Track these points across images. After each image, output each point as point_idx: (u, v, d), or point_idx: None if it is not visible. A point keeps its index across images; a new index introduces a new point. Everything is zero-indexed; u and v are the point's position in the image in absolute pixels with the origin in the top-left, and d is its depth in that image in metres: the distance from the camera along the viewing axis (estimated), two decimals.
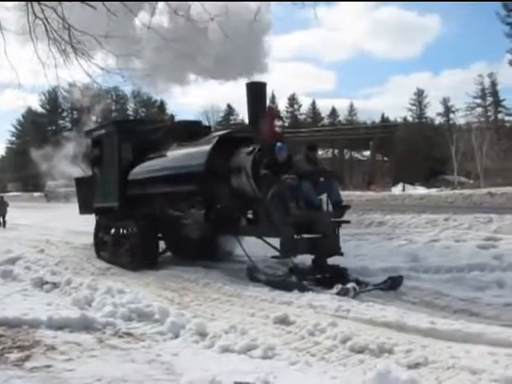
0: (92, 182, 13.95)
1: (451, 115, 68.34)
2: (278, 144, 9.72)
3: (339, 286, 8.08)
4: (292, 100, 78.95)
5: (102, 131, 13.88)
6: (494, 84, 59.84)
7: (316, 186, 9.65)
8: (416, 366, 4.88)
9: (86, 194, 14.35)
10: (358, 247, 12.51)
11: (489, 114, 60.28)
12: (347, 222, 9.92)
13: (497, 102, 60.16)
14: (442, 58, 75.07)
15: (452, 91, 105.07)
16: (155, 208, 11.81)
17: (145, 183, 12.10)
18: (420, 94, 71.93)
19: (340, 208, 9.70)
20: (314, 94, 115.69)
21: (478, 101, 60.60)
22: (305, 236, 9.36)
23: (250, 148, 9.97)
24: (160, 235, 12.27)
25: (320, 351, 5.47)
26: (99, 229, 13.73)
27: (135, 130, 12.94)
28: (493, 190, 21.60)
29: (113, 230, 13.18)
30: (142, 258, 11.57)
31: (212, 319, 6.86)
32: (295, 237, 9.17)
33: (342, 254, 9.39)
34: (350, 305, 7.13)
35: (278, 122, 9.74)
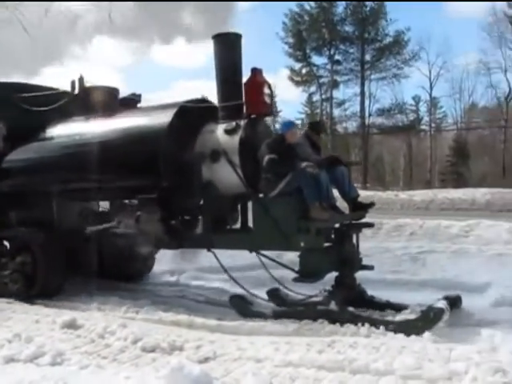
0: None
1: None
2: (287, 119, 6.87)
3: (417, 309, 6.13)
4: None
5: None
6: None
7: None
8: (206, 360, 5.08)
9: None
10: None
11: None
12: (371, 225, 7.42)
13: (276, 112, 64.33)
14: None
15: None
16: (56, 210, 8.51)
17: (36, 175, 8.61)
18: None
19: (362, 206, 7.11)
20: None
21: None
22: (327, 246, 6.85)
23: (233, 124, 7.20)
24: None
25: (111, 353, 5.41)
26: None
27: (14, 98, 8.87)
28: None
29: None
30: (45, 284, 8.22)
31: None
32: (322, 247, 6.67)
33: (372, 268, 7.01)
34: (139, 306, 7.20)
35: (267, 90, 7.21)
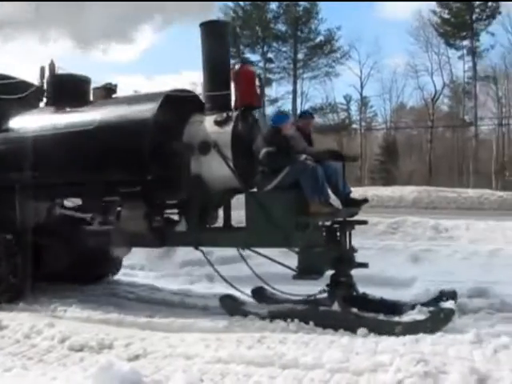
0: None
1: None
2: (281, 111, 6.43)
3: (423, 309, 5.91)
4: None
5: None
6: None
7: None
8: (136, 357, 5.04)
9: None
10: None
11: None
12: (364, 222, 6.91)
13: None
14: (155, 64, 76.50)
15: None
16: (20, 208, 7.72)
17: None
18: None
19: (355, 203, 6.79)
20: None
21: None
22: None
23: (224, 115, 6.76)
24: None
25: (38, 353, 5.29)
26: None
27: None
28: None
29: None
30: (9, 288, 7.54)
31: None
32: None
33: (367, 266, 6.68)
34: (67, 305, 7.04)
35: (258, 82, 7.35)
